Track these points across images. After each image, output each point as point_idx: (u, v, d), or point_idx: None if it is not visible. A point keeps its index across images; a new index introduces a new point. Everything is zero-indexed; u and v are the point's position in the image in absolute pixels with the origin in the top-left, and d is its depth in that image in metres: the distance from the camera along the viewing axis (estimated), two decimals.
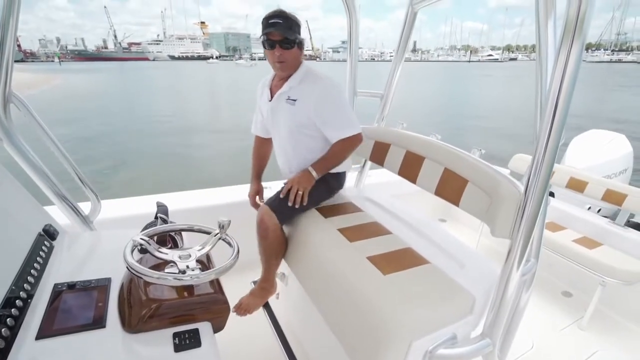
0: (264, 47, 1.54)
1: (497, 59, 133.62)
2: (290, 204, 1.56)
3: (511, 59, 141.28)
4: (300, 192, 1.56)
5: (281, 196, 1.59)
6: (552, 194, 3.16)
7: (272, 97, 1.68)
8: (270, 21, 1.49)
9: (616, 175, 3.64)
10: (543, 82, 1.01)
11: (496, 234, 1.13)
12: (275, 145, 1.80)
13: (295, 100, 1.58)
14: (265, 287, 1.72)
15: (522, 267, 1.06)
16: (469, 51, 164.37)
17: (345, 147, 1.61)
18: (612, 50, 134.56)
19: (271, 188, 2.07)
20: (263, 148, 1.95)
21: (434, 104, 20.63)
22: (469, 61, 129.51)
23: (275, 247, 1.61)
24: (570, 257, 2.18)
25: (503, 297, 1.09)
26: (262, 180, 1.99)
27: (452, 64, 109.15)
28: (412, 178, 1.62)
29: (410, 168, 1.64)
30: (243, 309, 1.68)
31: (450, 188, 1.40)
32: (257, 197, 1.98)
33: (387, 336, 1.07)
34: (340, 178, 1.80)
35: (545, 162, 0.94)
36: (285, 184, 1.61)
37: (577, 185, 2.57)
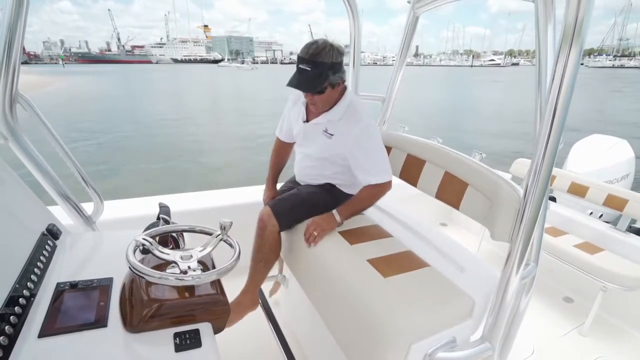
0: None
1: (499, 64, 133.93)
2: (306, 243, 1.51)
3: (513, 64, 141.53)
4: (315, 234, 1.49)
5: (307, 240, 1.51)
6: (553, 199, 3.16)
7: (307, 118, 1.62)
8: (299, 66, 1.40)
9: (618, 181, 3.64)
10: (542, 86, 1.02)
11: (496, 237, 1.14)
12: (298, 155, 1.77)
13: (332, 135, 1.54)
14: (243, 301, 1.60)
15: (522, 271, 1.06)
16: (471, 56, 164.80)
17: (375, 193, 1.58)
18: (614, 56, 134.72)
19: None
20: (283, 150, 1.90)
21: (434, 110, 20.65)
22: (471, 66, 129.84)
23: (267, 250, 1.58)
24: (572, 263, 2.17)
25: (502, 301, 1.09)
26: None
27: (454, 69, 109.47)
28: (413, 181, 1.63)
29: (411, 171, 1.65)
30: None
31: (451, 191, 1.41)
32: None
33: (386, 338, 1.07)
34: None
35: (545, 166, 0.95)
36: (308, 225, 1.55)
37: (578, 190, 2.57)
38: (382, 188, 1.57)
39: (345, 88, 1.56)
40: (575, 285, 2.40)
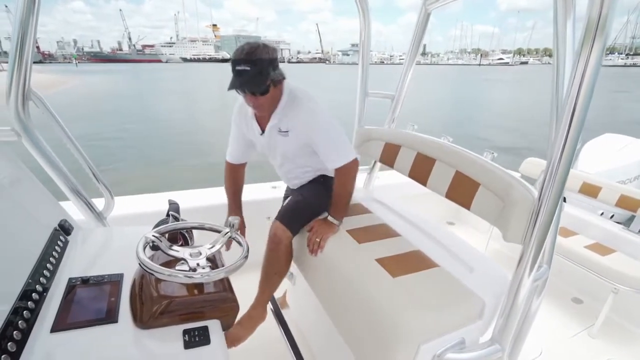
0: (236, 91, 1.38)
1: (508, 63, 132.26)
2: (311, 254, 1.51)
3: (522, 63, 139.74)
4: (318, 240, 1.49)
5: (310, 250, 1.52)
6: (563, 199, 3.10)
7: (262, 128, 1.58)
8: (237, 68, 1.31)
9: (631, 181, 3.57)
10: (560, 85, 1.00)
11: (508, 238, 1.12)
12: (275, 166, 1.75)
13: (287, 132, 1.52)
14: (254, 315, 1.58)
15: (534, 273, 1.04)
16: (480, 55, 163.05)
17: (347, 179, 1.55)
18: (627, 54, 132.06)
19: (280, 187, 2.05)
20: (235, 173, 1.80)
21: (439, 108, 20.50)
22: (479, 64, 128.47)
23: (282, 262, 1.58)
24: (582, 263, 2.14)
25: (514, 303, 1.07)
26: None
27: (461, 68, 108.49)
28: (423, 180, 1.61)
29: (420, 170, 1.63)
30: (230, 340, 1.43)
31: (462, 191, 1.39)
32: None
33: (395, 339, 1.07)
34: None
35: (561, 168, 0.93)
36: (308, 231, 1.56)
37: (590, 191, 2.53)
38: (350, 169, 1.52)
39: (282, 81, 1.47)
40: (585, 286, 2.36)
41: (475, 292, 1.18)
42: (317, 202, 1.64)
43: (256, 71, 1.31)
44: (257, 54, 1.31)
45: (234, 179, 1.80)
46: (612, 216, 3.17)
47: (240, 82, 1.32)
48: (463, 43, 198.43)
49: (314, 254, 1.49)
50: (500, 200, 1.21)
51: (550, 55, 1.14)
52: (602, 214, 3.07)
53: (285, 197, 1.90)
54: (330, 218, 1.55)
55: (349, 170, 1.53)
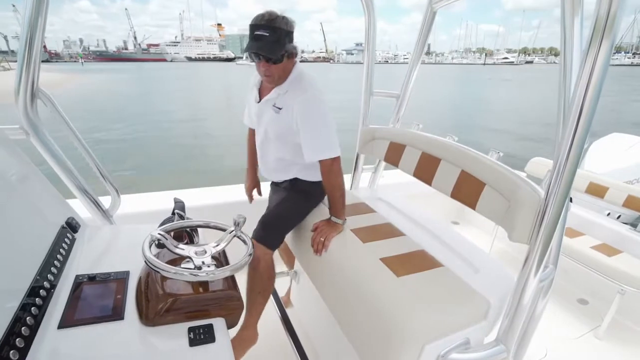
0: (250, 57, 1.41)
1: (513, 62, 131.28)
2: (315, 254, 1.51)
3: (527, 62, 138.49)
4: (322, 240, 1.49)
5: (314, 249, 1.51)
6: (570, 199, 3.07)
7: (260, 98, 1.60)
8: (255, 32, 1.33)
9: (638, 181, 3.53)
10: (567, 84, 0.99)
11: (514, 238, 1.11)
12: (257, 143, 1.73)
13: (280, 109, 1.50)
14: (245, 336, 1.56)
15: (540, 274, 1.04)
16: (484, 54, 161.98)
17: (330, 176, 1.52)
18: (634, 53, 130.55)
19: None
20: (254, 136, 1.81)
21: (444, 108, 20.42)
22: (484, 64, 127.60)
23: (264, 280, 1.56)
24: (588, 264, 2.12)
25: (519, 303, 1.07)
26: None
27: (466, 67, 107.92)
28: (428, 180, 1.61)
29: (425, 169, 1.63)
30: None
31: (467, 191, 1.38)
32: (255, 191, 1.93)
33: (399, 338, 1.06)
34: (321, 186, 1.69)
35: (568, 168, 0.92)
36: (312, 231, 1.56)
37: (596, 191, 2.50)
38: (331, 165, 1.49)
39: (295, 64, 1.51)
40: (591, 287, 2.34)
41: (480, 292, 1.17)
42: (294, 210, 1.64)
43: (274, 38, 1.33)
44: (277, 22, 1.33)
45: (252, 142, 1.83)
46: (619, 217, 3.14)
47: (258, 46, 1.33)
48: (468, 42, 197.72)
49: (318, 254, 1.49)
50: (505, 200, 1.20)
51: (556, 54, 1.13)
52: (608, 214, 3.05)
53: (269, 200, 1.87)
54: (333, 218, 1.54)
55: (332, 165, 1.50)
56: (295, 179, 1.66)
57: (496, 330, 1.16)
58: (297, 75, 1.50)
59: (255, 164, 1.87)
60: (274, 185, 1.82)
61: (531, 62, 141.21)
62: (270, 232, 1.58)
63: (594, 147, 3.80)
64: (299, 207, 1.67)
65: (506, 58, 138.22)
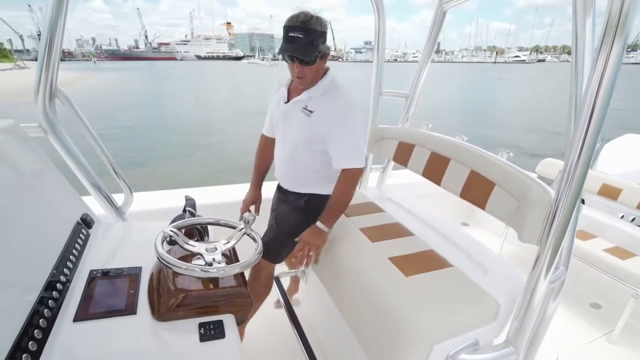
0: (284, 59, 1.40)
1: (525, 60, 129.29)
2: (301, 267, 1.52)
3: (539, 61, 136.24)
4: (311, 254, 1.47)
5: (293, 260, 1.54)
6: (582, 201, 3.02)
7: (288, 99, 1.55)
8: (290, 34, 1.33)
9: None
10: (579, 83, 0.98)
11: (524, 239, 1.11)
12: (276, 148, 1.67)
13: (312, 112, 1.46)
14: None
15: (551, 275, 1.03)
16: (495, 52, 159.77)
17: (350, 185, 1.48)
18: None
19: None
20: (267, 148, 1.76)
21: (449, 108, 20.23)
22: (495, 62, 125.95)
23: (263, 287, 1.62)
24: (601, 267, 2.08)
25: (529, 305, 1.06)
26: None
27: (476, 66, 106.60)
28: (437, 180, 1.60)
29: (434, 169, 1.62)
30: None
31: (477, 191, 1.37)
32: (253, 207, 1.80)
33: (407, 338, 1.07)
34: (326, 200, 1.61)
35: (579, 168, 0.91)
36: (297, 241, 1.52)
37: (610, 193, 2.46)
38: (355, 175, 1.47)
39: (327, 69, 1.50)
40: (604, 290, 2.30)
41: (490, 293, 1.17)
42: (294, 224, 1.59)
43: (308, 40, 1.32)
44: (311, 24, 1.32)
45: (263, 151, 1.79)
46: (632, 219, 3.08)
47: (292, 48, 1.33)
48: (478, 40, 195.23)
49: (306, 266, 1.50)
50: (516, 200, 1.19)
51: (568, 53, 1.11)
52: (622, 217, 2.99)
53: (271, 211, 1.80)
54: (320, 225, 1.46)
55: (354, 176, 1.47)
56: (310, 198, 1.60)
57: (506, 332, 1.15)
58: (331, 81, 1.49)
59: (262, 177, 1.82)
60: (281, 192, 1.72)
61: (543, 60, 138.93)
62: (277, 248, 1.59)
63: (607, 148, 3.73)
64: (310, 224, 1.55)
65: (517, 56, 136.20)
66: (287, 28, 1.33)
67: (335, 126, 1.42)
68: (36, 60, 1.42)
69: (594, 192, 2.55)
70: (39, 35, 1.43)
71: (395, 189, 2.15)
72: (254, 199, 1.80)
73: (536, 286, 1.04)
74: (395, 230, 1.53)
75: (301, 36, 1.31)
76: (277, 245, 1.59)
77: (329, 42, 1.45)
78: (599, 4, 0.92)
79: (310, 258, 1.48)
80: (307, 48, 1.33)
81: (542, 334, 1.19)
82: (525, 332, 1.09)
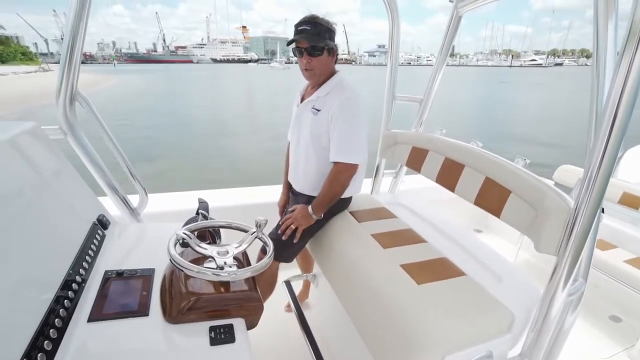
0: (294, 54, 1.52)
1: (541, 64, 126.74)
2: (283, 238, 1.55)
3: (556, 64, 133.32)
4: (293, 227, 1.55)
5: (279, 232, 1.59)
6: (601, 210, 2.93)
7: (301, 102, 1.66)
8: (299, 28, 1.47)
9: None
10: (600, 89, 0.94)
11: (541, 249, 1.07)
12: (290, 151, 1.78)
13: (319, 111, 1.54)
14: None
15: (569, 287, 0.99)
16: (511, 56, 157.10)
17: (338, 178, 1.52)
18: None
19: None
20: None
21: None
22: (510, 66, 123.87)
23: (265, 286, 1.63)
24: (621, 279, 2.01)
25: (546, 317, 1.03)
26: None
27: (490, 69, 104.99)
28: (451, 186, 1.57)
29: (448, 175, 1.59)
30: None
31: (492, 198, 1.34)
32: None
33: (418, 348, 1.04)
34: (343, 204, 1.70)
35: (600, 176, 0.88)
36: (285, 214, 1.61)
37: (631, 202, 2.37)
38: (345, 170, 1.50)
39: (336, 71, 1.60)
40: (625, 303, 2.22)
41: (504, 304, 1.14)
42: (313, 230, 1.64)
43: (315, 32, 1.46)
44: (318, 19, 1.48)
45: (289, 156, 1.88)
46: None
47: (300, 36, 1.45)
48: (493, 44, 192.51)
49: (289, 239, 1.55)
50: (532, 208, 1.16)
51: (587, 56, 1.08)
52: None
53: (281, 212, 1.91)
54: (310, 209, 1.55)
55: (342, 171, 1.51)
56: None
57: (520, 344, 1.12)
58: (340, 81, 1.56)
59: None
60: (294, 195, 1.80)
61: (561, 64, 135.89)
62: (285, 248, 1.60)
63: (628, 154, 3.60)
64: (318, 226, 1.65)
65: (534, 60, 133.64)
66: (297, 25, 1.49)
67: (335, 118, 1.49)
68: (59, 63, 1.46)
69: (614, 201, 2.46)
70: (62, 38, 1.47)
71: (407, 195, 2.13)
72: (285, 200, 1.91)
73: (554, 298, 1.00)
74: (407, 237, 1.51)
75: (308, 28, 1.45)
76: (285, 244, 1.60)
77: (343, 45, 1.50)
78: (622, 6, 0.90)
79: (290, 231, 1.56)
80: (314, 37, 1.45)
81: (559, 348, 1.15)
82: (541, 346, 1.06)
